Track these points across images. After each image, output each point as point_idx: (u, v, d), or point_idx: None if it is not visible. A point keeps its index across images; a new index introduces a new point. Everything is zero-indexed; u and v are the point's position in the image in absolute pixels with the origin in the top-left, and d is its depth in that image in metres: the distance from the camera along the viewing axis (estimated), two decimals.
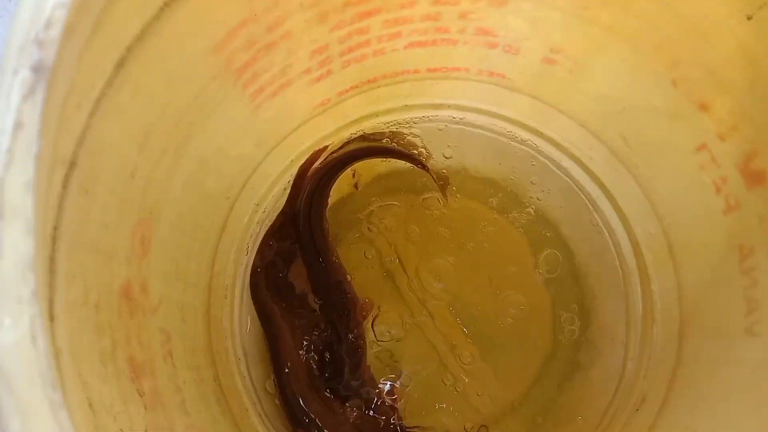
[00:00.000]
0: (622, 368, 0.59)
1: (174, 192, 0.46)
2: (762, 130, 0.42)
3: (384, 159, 0.65)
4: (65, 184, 0.33)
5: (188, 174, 0.47)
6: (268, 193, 0.62)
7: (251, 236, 0.62)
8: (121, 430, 0.35)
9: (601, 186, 0.61)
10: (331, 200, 0.64)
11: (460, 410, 0.59)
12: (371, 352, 0.60)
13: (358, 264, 0.63)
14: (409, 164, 0.65)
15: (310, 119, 0.59)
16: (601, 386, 0.58)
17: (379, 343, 0.61)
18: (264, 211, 0.63)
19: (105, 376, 0.36)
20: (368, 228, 0.64)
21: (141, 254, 0.42)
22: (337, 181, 0.63)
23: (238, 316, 0.61)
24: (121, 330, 0.39)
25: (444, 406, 0.60)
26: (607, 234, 0.62)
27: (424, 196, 0.65)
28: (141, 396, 0.39)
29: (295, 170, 0.63)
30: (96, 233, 0.37)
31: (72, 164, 0.34)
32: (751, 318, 0.45)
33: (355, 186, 0.65)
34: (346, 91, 0.58)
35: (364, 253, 0.63)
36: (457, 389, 0.60)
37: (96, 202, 0.37)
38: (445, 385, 0.60)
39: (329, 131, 0.63)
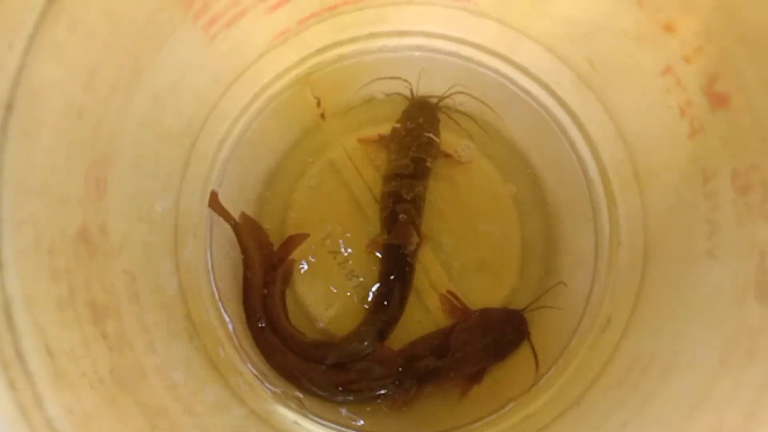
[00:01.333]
0: (588, 291, 0.60)
1: (129, 131, 0.45)
2: (726, 51, 0.41)
3: None
4: (3, 128, 0.32)
5: (143, 112, 0.45)
6: (232, 129, 0.60)
7: (218, 174, 0.61)
8: (84, 373, 0.36)
9: (570, 112, 0.60)
10: (294, 134, 0.63)
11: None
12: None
13: (328, 196, 0.62)
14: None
15: (270, 50, 0.57)
16: (568, 309, 0.59)
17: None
18: (229, 148, 0.62)
19: (63, 321, 0.36)
20: (337, 161, 0.63)
21: (97, 196, 0.42)
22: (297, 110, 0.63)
23: (209, 255, 0.60)
24: (79, 274, 0.39)
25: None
26: (575, 160, 0.62)
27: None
28: (105, 338, 0.39)
29: (259, 104, 0.61)
30: (44, 177, 0.36)
31: (8, 107, 0.32)
32: (712, 241, 0.45)
33: (322, 116, 0.64)
34: (307, 18, 0.56)
35: (332, 185, 0.63)
36: (429, 310, 0.61)
37: (41, 146, 0.35)
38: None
39: (293, 62, 0.61)
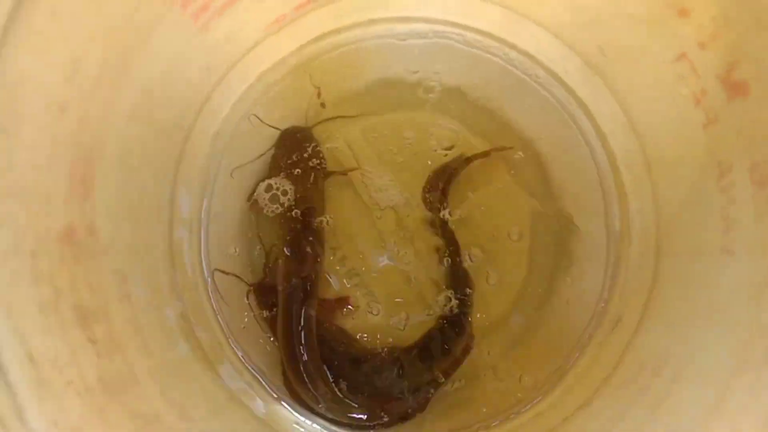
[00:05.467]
0: (600, 287, 0.58)
1: (117, 126, 0.43)
2: (745, 37, 0.38)
3: None
4: None
5: (131, 105, 0.43)
6: (228, 120, 0.58)
7: (215, 166, 0.59)
8: (70, 381, 0.34)
9: (578, 101, 0.58)
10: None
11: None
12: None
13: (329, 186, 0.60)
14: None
15: (265, 38, 0.55)
16: (577, 306, 0.58)
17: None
18: (227, 138, 0.60)
19: (47, 327, 0.34)
20: (338, 152, 0.61)
21: (83, 195, 0.40)
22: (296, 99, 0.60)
23: (206, 250, 0.59)
24: (64, 277, 0.37)
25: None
26: (586, 151, 0.59)
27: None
28: (93, 344, 0.38)
29: (255, 95, 0.59)
30: (24, 177, 0.34)
31: None
32: (728, 237, 0.43)
33: (322, 105, 0.62)
34: (303, 5, 0.54)
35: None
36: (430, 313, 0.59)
37: (20, 143, 0.34)
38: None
39: (290, 50, 0.59)
